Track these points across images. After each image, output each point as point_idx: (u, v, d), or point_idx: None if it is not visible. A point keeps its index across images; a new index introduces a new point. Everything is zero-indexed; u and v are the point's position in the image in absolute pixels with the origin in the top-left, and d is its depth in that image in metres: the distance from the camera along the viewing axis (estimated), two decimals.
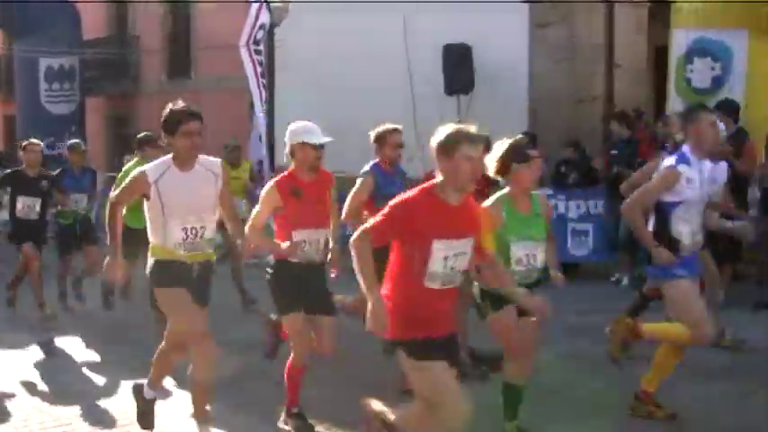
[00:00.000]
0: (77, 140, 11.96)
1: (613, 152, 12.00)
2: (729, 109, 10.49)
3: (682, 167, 6.14)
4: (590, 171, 12.73)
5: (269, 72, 16.42)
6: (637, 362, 6.84)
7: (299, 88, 16.66)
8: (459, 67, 14.63)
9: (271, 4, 15.81)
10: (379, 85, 15.39)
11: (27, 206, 10.67)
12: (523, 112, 14.65)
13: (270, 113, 16.20)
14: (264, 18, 15.72)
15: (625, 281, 11.53)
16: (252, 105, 16.92)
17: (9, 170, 11.50)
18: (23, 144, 10.99)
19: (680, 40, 12.10)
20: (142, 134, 10.14)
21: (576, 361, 8.16)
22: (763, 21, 11.32)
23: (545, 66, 14.73)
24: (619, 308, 7.99)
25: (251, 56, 15.64)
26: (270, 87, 16.41)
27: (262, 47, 15.88)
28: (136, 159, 9.83)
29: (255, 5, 15.66)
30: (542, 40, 14.81)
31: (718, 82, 11.69)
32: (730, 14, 11.52)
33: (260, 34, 15.73)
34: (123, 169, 9.81)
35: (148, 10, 25.72)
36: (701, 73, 11.77)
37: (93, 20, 26.03)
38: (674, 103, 11.85)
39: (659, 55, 14.17)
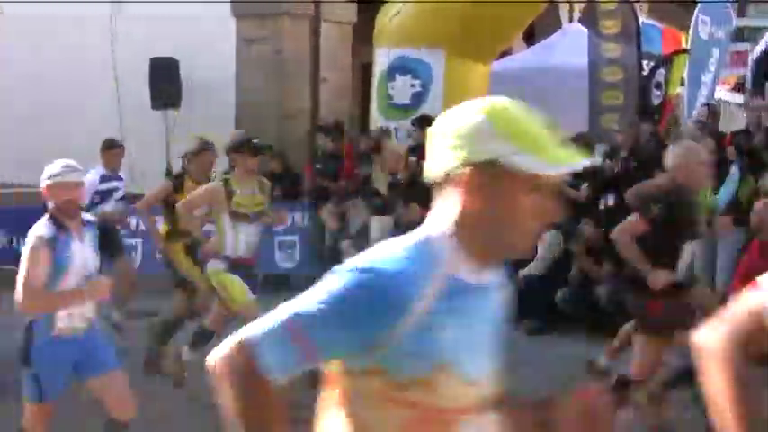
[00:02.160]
0: None
1: (318, 166, 12.20)
2: (428, 124, 10.95)
3: None
4: (295, 183, 12.87)
5: None
6: None
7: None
8: (165, 81, 14.43)
9: None
10: (85, 100, 14.97)
11: None
12: (231, 126, 14.62)
13: None
14: None
15: None
16: None
17: None
18: None
19: (382, 58, 12.50)
20: None
21: None
22: (457, 40, 11.88)
23: (252, 80, 14.79)
24: None
25: None
26: None
27: None
28: None
29: None
30: (250, 54, 14.88)
31: (418, 98, 12.15)
32: (429, 34, 12.02)
33: None
34: None
35: None
36: (402, 89, 12.20)
37: None
38: (377, 119, 12.23)
39: (365, 71, 14.59)
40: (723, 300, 8.24)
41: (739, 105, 15.51)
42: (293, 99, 14.76)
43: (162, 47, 14.35)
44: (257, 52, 14.80)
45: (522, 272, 9.51)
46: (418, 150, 10.83)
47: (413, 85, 12.18)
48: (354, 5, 15.40)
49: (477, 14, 11.83)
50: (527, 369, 7.19)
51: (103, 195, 10.10)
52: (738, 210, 8.68)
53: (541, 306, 9.19)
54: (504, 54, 14.18)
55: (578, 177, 9.87)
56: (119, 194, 10.34)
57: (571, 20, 18.21)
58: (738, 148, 9.53)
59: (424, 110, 11.72)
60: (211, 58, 14.62)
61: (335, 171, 11.69)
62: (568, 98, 12.89)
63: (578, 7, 18.31)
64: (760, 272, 8.42)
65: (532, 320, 9.38)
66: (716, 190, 8.78)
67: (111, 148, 10.42)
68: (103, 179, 10.14)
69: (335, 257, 11.59)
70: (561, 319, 9.38)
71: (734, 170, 8.72)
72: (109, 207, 9.93)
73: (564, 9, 19.29)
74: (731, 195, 8.64)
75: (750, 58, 16.68)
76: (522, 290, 9.30)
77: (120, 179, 10.46)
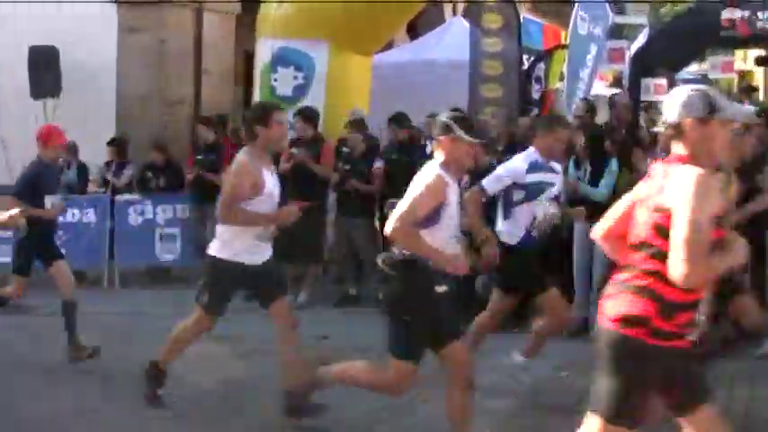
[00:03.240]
0: None
1: (199, 156, 12.11)
2: (310, 115, 11.01)
3: None
4: (176, 175, 12.76)
5: None
6: None
7: None
8: (45, 70, 14.12)
9: None
10: None
11: None
12: (112, 116, 14.42)
13: None
14: None
15: None
16: None
17: None
18: None
19: (265, 49, 12.46)
20: None
21: None
22: (341, 33, 11.93)
23: (134, 69, 14.60)
24: None
25: None
26: None
27: None
28: None
29: None
30: (131, 43, 14.68)
31: (300, 90, 12.15)
32: (312, 26, 12.04)
33: None
34: None
35: None
36: (285, 81, 12.19)
37: None
38: None
39: (248, 62, 14.54)
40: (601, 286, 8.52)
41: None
42: (175, 89, 14.64)
43: (42, 35, 14.05)
44: (139, 41, 14.62)
45: None
46: (300, 143, 10.87)
47: (295, 77, 12.18)
48: None
49: (360, 7, 11.90)
50: None
51: None
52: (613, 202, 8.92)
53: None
54: (386, 47, 14.29)
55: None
56: None
57: (454, 14, 18.43)
58: (614, 143, 9.80)
59: (307, 102, 11.74)
60: (92, 46, 14.38)
61: (217, 163, 11.62)
62: (449, 91, 13.03)
63: (461, 2, 18.55)
64: None
65: None
66: (594, 182, 8.98)
67: None
68: None
69: None
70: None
71: (613, 163, 8.96)
72: None
73: (447, 3, 19.52)
74: (611, 188, 8.87)
75: (627, 54, 17.16)
76: None
77: None
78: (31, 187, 8.29)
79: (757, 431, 6.63)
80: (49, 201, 8.32)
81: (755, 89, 16.81)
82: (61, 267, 8.48)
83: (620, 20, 26.88)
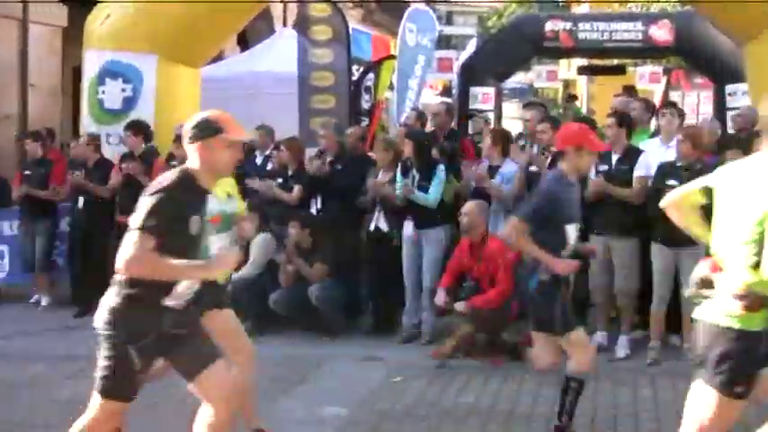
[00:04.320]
0: None
1: (27, 172, 11.80)
2: (140, 128, 10.90)
3: None
4: (3, 191, 12.34)
5: None
6: None
7: None
8: None
9: None
10: None
11: None
12: None
13: None
14: None
15: (44, 302, 11.38)
16: None
17: None
18: None
19: (92, 62, 12.24)
20: None
21: None
22: (168, 44, 11.83)
23: None
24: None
25: None
26: None
27: None
28: None
29: None
30: None
31: (129, 103, 11.97)
32: (140, 39, 11.88)
33: None
34: None
35: None
36: (113, 94, 11.99)
37: None
38: (88, 124, 11.98)
39: (76, 75, 14.26)
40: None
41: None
42: (1, 104, 14.24)
43: None
44: None
45: (236, 275, 9.59)
46: (131, 157, 10.73)
47: (124, 90, 11.98)
48: (65, 7, 15.03)
49: (189, 19, 11.81)
50: None
51: None
52: (443, 208, 9.16)
53: (255, 308, 9.30)
54: (216, 59, 14.24)
55: (290, 179, 10.09)
56: None
57: (285, 25, 18.50)
58: (442, 150, 10.04)
59: (136, 115, 11.57)
60: None
61: (45, 178, 11.34)
62: (279, 102, 13.14)
63: (292, 13, 18.63)
64: (470, 269, 9.00)
65: (246, 322, 9.46)
66: (423, 188, 9.16)
67: None
68: None
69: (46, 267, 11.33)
70: (276, 319, 9.54)
71: (441, 170, 9.16)
72: None
73: (277, 15, 19.57)
74: (439, 194, 9.08)
75: (456, 64, 17.61)
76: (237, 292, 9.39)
77: None
78: None
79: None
80: None
81: (576, 97, 17.53)
82: None
83: (448, 30, 27.58)
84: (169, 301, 4.53)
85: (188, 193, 4.61)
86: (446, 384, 7.73)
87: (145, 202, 4.46)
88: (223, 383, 4.73)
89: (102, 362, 4.55)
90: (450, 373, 8.04)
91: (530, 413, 6.96)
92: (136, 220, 4.41)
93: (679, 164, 8.22)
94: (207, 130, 4.67)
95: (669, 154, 8.59)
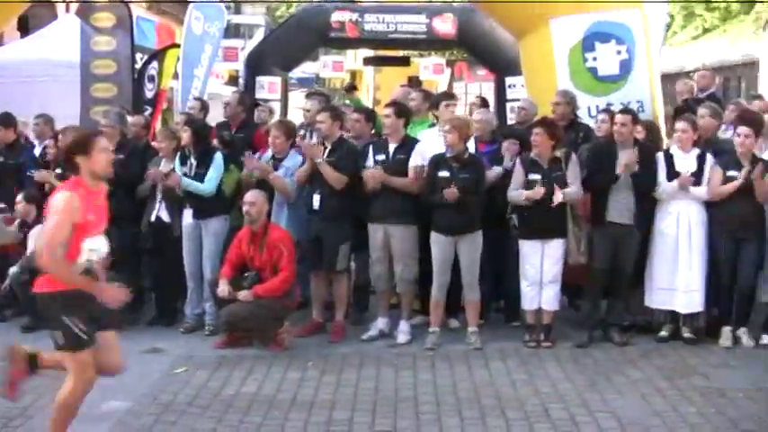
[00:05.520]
0: None
1: None
2: None
3: None
4: None
5: None
6: None
7: None
8: None
9: None
10: None
11: None
12: None
13: None
14: None
15: None
16: None
17: None
18: None
19: None
20: None
21: None
22: None
23: None
24: None
25: None
26: None
27: None
28: None
29: None
30: None
31: None
32: None
33: None
34: None
35: None
36: None
37: None
38: None
39: None
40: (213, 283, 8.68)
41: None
42: None
43: None
44: None
45: (12, 269, 9.31)
46: None
47: None
48: None
49: None
50: None
51: None
52: (223, 198, 9.14)
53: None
54: None
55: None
56: None
57: (68, 11, 17.98)
58: (221, 140, 10.02)
59: None
60: None
61: None
62: (60, 90, 12.79)
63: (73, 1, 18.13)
64: (252, 258, 8.98)
65: (25, 318, 9.21)
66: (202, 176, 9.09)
67: None
68: None
69: None
70: None
71: (218, 159, 9.13)
72: None
73: (60, 3, 19.01)
74: (216, 183, 9.04)
75: (242, 53, 17.58)
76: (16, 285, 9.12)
77: None
78: None
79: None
80: None
81: (356, 88, 17.69)
82: None
83: (237, 19, 27.40)
84: None
85: None
86: (229, 374, 7.73)
87: None
88: None
89: None
90: (233, 363, 8.04)
91: (312, 400, 7.05)
92: None
93: (449, 154, 8.48)
94: None
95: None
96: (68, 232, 5.37)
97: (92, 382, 5.68)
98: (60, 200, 5.44)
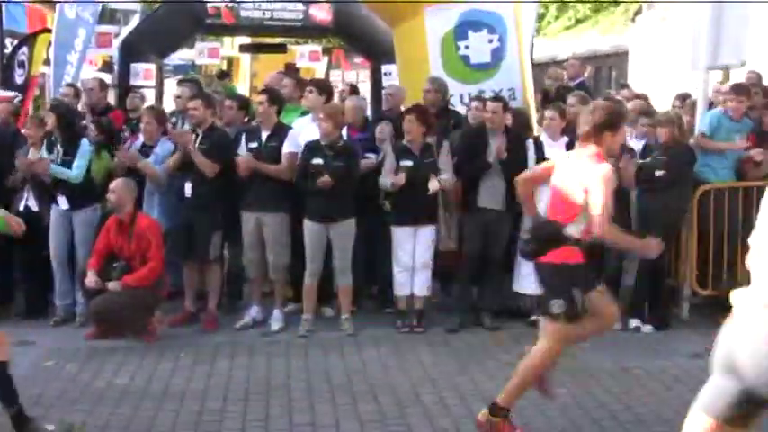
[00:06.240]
0: None
1: None
2: None
3: None
4: None
5: None
6: None
7: None
8: None
9: None
10: None
11: None
12: None
13: None
14: None
15: None
16: None
17: None
18: None
19: None
20: None
21: None
22: None
23: None
24: None
25: None
26: None
27: None
28: None
29: None
30: None
31: None
32: None
33: None
34: None
35: None
36: None
37: None
38: None
39: None
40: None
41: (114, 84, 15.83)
42: None
43: None
44: None
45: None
46: None
47: None
48: None
49: None
50: None
51: None
52: (93, 186, 8.99)
53: None
54: None
55: None
56: None
57: None
58: (97, 125, 9.81)
59: None
60: None
61: None
62: None
63: None
64: (120, 248, 8.84)
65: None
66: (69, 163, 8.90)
67: None
68: None
69: None
70: None
71: (86, 145, 8.96)
72: None
73: None
74: (83, 169, 8.88)
75: (116, 39, 17.25)
76: None
77: None
78: None
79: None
80: None
81: (228, 74, 17.66)
82: None
83: (112, 5, 26.89)
84: None
85: None
86: (100, 366, 7.63)
87: None
88: None
89: None
90: (104, 355, 7.94)
91: (184, 390, 7.02)
92: None
93: (323, 142, 8.52)
94: None
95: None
96: None
97: None
98: None
